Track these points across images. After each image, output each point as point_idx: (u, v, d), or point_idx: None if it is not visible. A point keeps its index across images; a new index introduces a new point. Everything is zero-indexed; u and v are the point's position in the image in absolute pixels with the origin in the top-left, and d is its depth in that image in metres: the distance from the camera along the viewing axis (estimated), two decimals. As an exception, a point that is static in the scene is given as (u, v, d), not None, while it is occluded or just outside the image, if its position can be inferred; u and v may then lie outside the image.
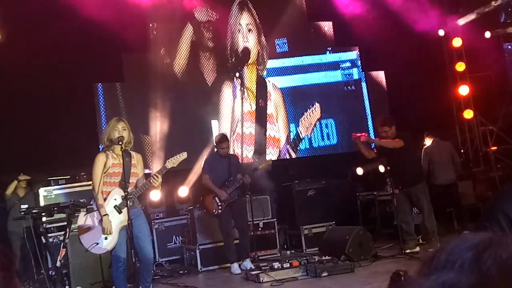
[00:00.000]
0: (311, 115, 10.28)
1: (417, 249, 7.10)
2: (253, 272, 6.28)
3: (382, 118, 7.53)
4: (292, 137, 10.16)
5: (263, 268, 6.34)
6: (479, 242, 0.56)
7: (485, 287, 0.52)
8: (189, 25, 9.72)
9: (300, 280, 6.05)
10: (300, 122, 10.23)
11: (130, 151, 5.16)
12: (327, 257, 6.41)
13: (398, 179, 7.17)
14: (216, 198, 7.09)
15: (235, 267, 6.96)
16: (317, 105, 10.32)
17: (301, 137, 10.19)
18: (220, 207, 7.04)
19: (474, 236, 0.57)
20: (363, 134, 7.37)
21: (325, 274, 5.98)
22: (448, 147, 8.58)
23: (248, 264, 6.92)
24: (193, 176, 8.73)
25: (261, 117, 9.94)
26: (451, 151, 8.55)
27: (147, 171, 7.00)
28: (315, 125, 10.29)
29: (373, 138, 7.35)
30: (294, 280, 6.02)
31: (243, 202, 7.45)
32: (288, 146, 10.09)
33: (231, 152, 8.46)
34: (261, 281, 6.02)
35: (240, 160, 9.26)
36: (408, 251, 6.96)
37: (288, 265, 6.26)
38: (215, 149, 7.40)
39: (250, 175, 7.24)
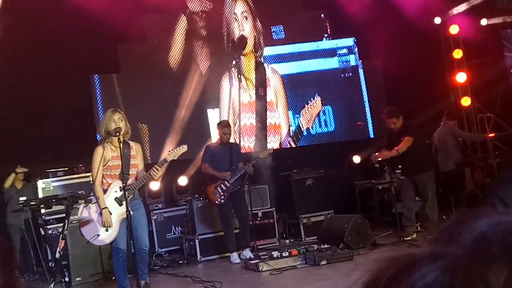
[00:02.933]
0: (312, 108, 10.26)
1: (415, 236, 7.14)
2: (252, 261, 6.30)
3: (389, 109, 7.43)
4: (293, 129, 10.16)
5: (262, 257, 6.36)
6: (488, 222, 0.55)
7: (481, 264, 0.51)
8: (184, 17, 9.68)
9: (299, 268, 6.07)
10: (301, 115, 10.21)
11: (129, 142, 5.14)
12: (326, 246, 6.43)
13: (406, 167, 7.22)
14: (218, 188, 7.06)
15: (234, 257, 6.98)
16: (318, 98, 10.30)
17: (302, 129, 10.18)
18: (222, 197, 7.03)
19: (487, 215, 0.56)
20: (381, 153, 7.24)
21: (324, 262, 6.00)
22: (449, 130, 8.52)
23: (247, 253, 6.94)
24: (193, 167, 8.71)
25: (261, 108, 9.91)
26: (453, 133, 8.50)
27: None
28: (315, 117, 10.29)
29: (388, 152, 7.25)
30: (293, 269, 6.04)
31: (244, 191, 7.45)
32: (289, 139, 10.08)
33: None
34: (260, 270, 6.04)
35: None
36: (407, 238, 7.00)
37: (287, 254, 6.27)
38: (218, 135, 7.32)
39: (252, 164, 7.22)
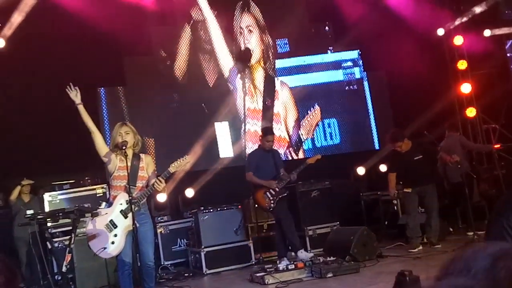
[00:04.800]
0: (311, 118, 10.30)
1: (421, 247, 7.19)
2: (258, 274, 6.29)
3: (392, 134, 7.57)
4: (294, 138, 10.18)
5: (268, 269, 6.34)
6: (496, 252, 0.57)
7: None
8: (188, 27, 9.75)
9: (305, 281, 6.05)
10: (301, 125, 10.25)
11: (140, 154, 5.17)
12: (332, 258, 6.41)
13: (412, 179, 7.33)
14: (268, 193, 7.06)
15: (283, 262, 6.70)
16: (317, 107, 10.33)
17: (302, 139, 10.20)
18: (272, 202, 7.02)
19: (494, 245, 0.58)
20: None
21: (330, 275, 5.98)
22: (456, 141, 8.51)
23: (304, 254, 6.81)
24: (203, 178, 8.73)
25: (267, 116, 9.94)
26: (461, 143, 8.49)
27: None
28: (315, 127, 10.31)
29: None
30: (299, 282, 6.02)
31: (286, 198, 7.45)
32: (290, 149, 10.10)
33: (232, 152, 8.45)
34: (266, 283, 6.03)
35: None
36: (414, 250, 7.05)
37: (293, 266, 6.26)
38: (260, 143, 7.32)
39: (299, 171, 7.17)
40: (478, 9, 9.92)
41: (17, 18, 8.00)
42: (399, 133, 7.51)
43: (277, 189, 7.02)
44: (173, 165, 5.07)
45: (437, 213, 7.39)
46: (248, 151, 9.50)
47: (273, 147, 7.37)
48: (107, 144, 5.29)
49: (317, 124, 10.33)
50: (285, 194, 7.13)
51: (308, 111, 10.33)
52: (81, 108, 5.09)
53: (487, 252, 0.58)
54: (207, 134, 9.43)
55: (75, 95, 5.11)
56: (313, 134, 10.30)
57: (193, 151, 8.84)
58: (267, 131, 7.29)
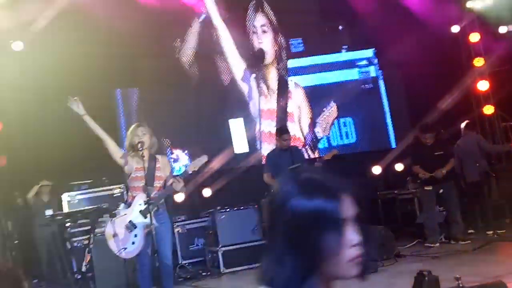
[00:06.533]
0: (327, 115, 10.26)
1: (438, 244, 7.21)
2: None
3: (423, 124, 7.74)
4: (310, 137, 10.17)
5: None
6: None
7: None
8: (202, 27, 9.78)
9: (323, 280, 6.02)
10: (317, 123, 10.22)
11: (155, 155, 5.21)
12: (349, 257, 6.37)
13: (433, 176, 7.37)
14: None
15: None
16: (333, 104, 10.29)
17: (318, 137, 10.18)
18: None
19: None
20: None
21: (348, 274, 5.95)
22: (474, 140, 8.42)
23: None
24: (223, 178, 8.75)
25: (281, 116, 9.94)
26: (478, 143, 8.40)
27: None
28: (331, 125, 10.28)
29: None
30: (317, 281, 6.00)
31: None
32: (306, 147, 10.09)
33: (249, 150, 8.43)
34: (284, 282, 6.01)
35: (263, 158, 9.29)
36: (432, 245, 7.13)
37: (310, 265, 6.23)
38: (276, 143, 7.34)
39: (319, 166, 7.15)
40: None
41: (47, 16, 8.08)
42: (430, 125, 7.60)
43: None
44: (190, 165, 5.12)
45: (459, 208, 7.45)
46: (264, 151, 9.52)
47: (290, 144, 7.35)
48: (122, 147, 5.32)
49: (333, 122, 10.30)
50: None
51: (324, 109, 10.29)
52: (86, 118, 5.10)
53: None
54: (222, 134, 9.46)
55: (77, 107, 5.10)
56: (329, 132, 10.27)
57: (209, 151, 8.88)
58: (282, 131, 7.31)
